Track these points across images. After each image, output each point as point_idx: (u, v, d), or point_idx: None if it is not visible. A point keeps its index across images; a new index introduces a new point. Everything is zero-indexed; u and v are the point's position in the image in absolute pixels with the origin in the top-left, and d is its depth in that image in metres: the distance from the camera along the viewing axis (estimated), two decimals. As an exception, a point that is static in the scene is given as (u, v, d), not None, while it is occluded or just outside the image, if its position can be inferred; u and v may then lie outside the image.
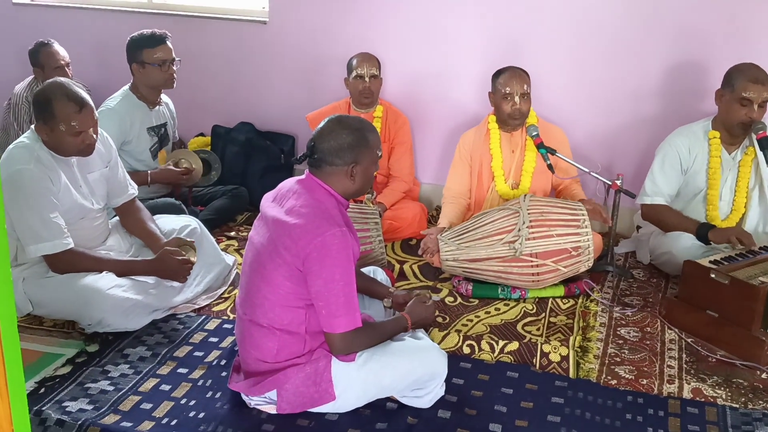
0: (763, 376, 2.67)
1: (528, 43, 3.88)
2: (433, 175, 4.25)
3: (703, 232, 3.22)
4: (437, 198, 4.16)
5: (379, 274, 2.77)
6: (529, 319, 3.04)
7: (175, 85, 3.66)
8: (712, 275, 2.83)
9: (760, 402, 2.52)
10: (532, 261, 3.07)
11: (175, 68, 3.61)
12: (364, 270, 2.76)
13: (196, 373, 2.57)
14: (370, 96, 3.81)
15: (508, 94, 3.35)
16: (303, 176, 2.30)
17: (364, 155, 2.25)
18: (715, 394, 2.55)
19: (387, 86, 4.04)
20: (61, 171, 2.75)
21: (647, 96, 3.83)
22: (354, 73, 3.77)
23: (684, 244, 3.24)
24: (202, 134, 4.48)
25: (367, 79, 3.76)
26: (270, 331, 2.22)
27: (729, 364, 2.74)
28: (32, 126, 2.77)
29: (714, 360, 2.77)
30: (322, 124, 2.28)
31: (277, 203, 2.28)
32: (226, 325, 2.88)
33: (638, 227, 3.71)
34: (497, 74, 3.43)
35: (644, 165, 3.79)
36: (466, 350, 2.76)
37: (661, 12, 3.68)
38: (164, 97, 3.78)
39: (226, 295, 3.12)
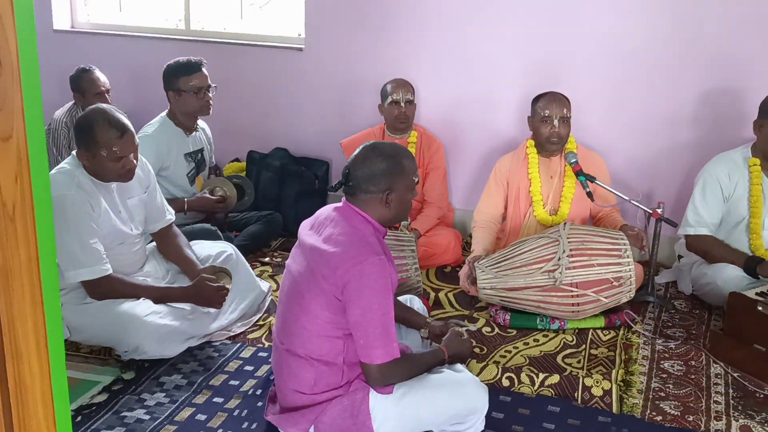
0: (815, 413, 2.57)
1: (566, 69, 3.85)
2: (467, 201, 4.21)
3: (752, 265, 3.13)
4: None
5: (415, 303, 2.73)
6: (569, 350, 2.97)
7: (211, 112, 3.68)
8: (760, 308, 2.75)
9: (813, 442, 2.42)
10: (572, 291, 3.01)
11: (211, 95, 3.63)
12: (401, 298, 2.73)
13: (232, 403, 2.55)
14: (405, 121, 3.79)
15: (547, 117, 3.32)
16: (340, 204, 2.28)
17: (399, 182, 2.22)
18: (765, 431, 2.47)
19: (421, 111, 4.02)
20: (101, 196, 2.77)
21: (685, 122, 3.77)
22: (389, 99, 3.77)
23: (729, 275, 3.15)
24: (237, 159, 4.50)
25: (402, 104, 3.76)
26: (307, 361, 2.19)
27: (778, 400, 2.65)
28: (73, 152, 2.79)
29: (762, 396, 2.67)
30: (357, 151, 2.26)
31: (315, 231, 2.26)
32: (261, 353, 2.86)
33: (680, 257, 3.62)
34: (537, 99, 3.40)
35: (683, 192, 3.74)
36: (506, 383, 2.70)
37: (701, 38, 3.64)
38: (201, 123, 3.81)
39: (261, 323, 3.10)
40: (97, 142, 2.66)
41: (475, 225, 3.52)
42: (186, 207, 3.56)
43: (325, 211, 2.31)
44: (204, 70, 3.61)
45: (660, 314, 3.31)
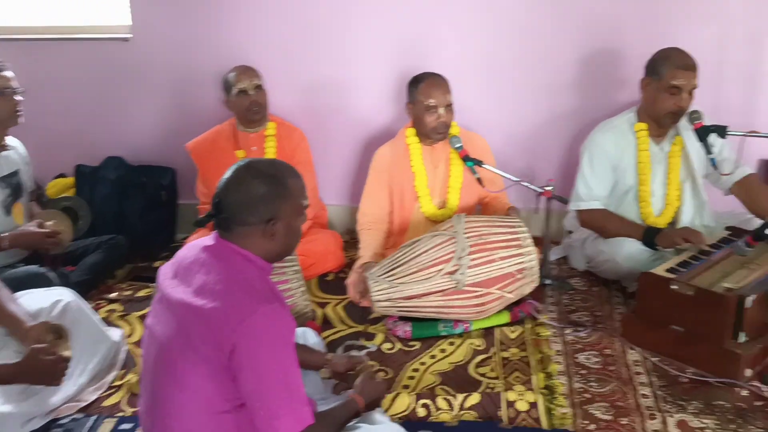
0: (744, 393, 2.43)
1: (433, 44, 3.52)
2: (339, 196, 3.82)
3: (650, 237, 2.97)
4: (348, 221, 3.73)
5: (310, 338, 2.30)
6: (479, 357, 2.67)
7: (21, 121, 2.98)
8: (674, 287, 2.57)
9: (751, 427, 2.27)
10: (476, 291, 2.71)
11: (18, 99, 2.94)
12: (290, 332, 2.28)
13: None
14: (259, 110, 3.32)
15: (432, 107, 2.97)
16: (210, 240, 1.80)
17: (284, 207, 1.77)
18: (702, 425, 2.28)
19: (273, 101, 3.52)
20: None
21: (564, 89, 3.56)
22: (235, 90, 3.28)
23: (629, 251, 2.99)
24: (62, 175, 3.80)
25: (251, 92, 3.28)
26: (190, 446, 1.71)
27: (703, 383, 2.49)
28: None
29: (687, 381, 2.51)
30: (227, 173, 1.79)
31: (181, 280, 1.76)
32: (124, 425, 2.31)
33: (569, 231, 3.44)
34: (415, 83, 3.04)
35: (568, 164, 3.56)
36: (422, 412, 2.35)
37: (569, 2, 3.41)
38: (11, 140, 3.10)
39: (117, 383, 2.55)
40: None
41: (361, 228, 3.13)
42: (8, 244, 2.88)
43: (190, 251, 1.81)
44: (6, 72, 2.91)
45: (560, 297, 3.11)
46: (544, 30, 3.46)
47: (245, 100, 3.29)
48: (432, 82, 3.00)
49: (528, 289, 2.83)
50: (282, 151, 3.42)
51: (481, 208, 3.26)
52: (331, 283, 3.25)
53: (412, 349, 2.74)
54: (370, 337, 2.82)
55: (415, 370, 2.61)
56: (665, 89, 2.98)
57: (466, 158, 3.01)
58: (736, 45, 3.39)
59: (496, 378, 2.54)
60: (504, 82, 3.56)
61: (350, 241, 3.56)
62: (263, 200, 1.73)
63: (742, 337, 2.48)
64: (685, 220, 3.17)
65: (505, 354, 2.69)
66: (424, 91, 3.00)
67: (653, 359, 2.63)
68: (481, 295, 2.71)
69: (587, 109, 3.53)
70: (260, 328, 1.63)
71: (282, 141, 3.44)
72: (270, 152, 3.39)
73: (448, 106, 3.00)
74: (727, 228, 3.10)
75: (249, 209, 1.73)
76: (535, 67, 3.52)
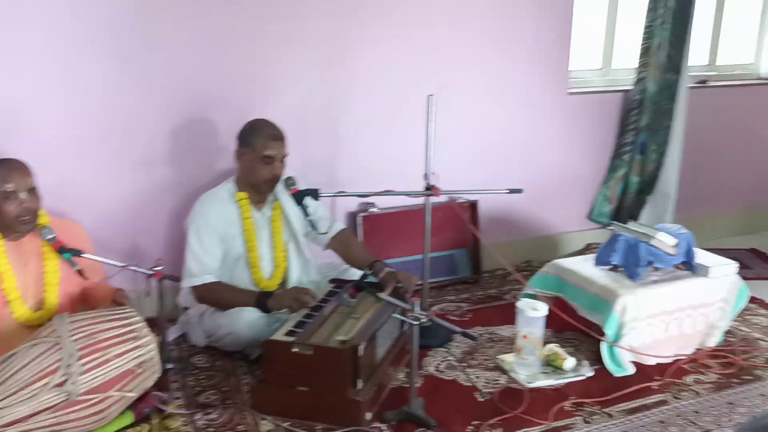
0: (369, 438, 2.61)
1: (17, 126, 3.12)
2: None
3: (263, 301, 3.04)
4: None
5: None
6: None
7: None
8: (295, 349, 2.65)
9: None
10: (92, 398, 2.43)
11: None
12: None
13: None
14: None
15: (12, 193, 2.62)
16: None
17: None
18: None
19: None
20: None
21: (159, 162, 3.45)
22: None
23: (247, 320, 3.01)
24: None
25: None
26: None
27: (332, 435, 2.61)
28: None
29: (320, 439, 2.60)
30: None
31: None
32: None
33: (185, 308, 3.34)
34: None
35: (174, 239, 3.46)
36: None
37: (160, 65, 3.33)
38: None
39: None
40: None
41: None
42: None
43: None
44: None
45: (185, 380, 2.99)
46: (132, 103, 3.32)
47: None
48: (8, 168, 2.65)
49: (151, 382, 2.65)
50: None
51: (86, 303, 2.97)
52: None
53: (23, 481, 2.36)
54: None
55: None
56: (259, 159, 3.10)
57: (61, 249, 2.72)
58: (315, 110, 3.68)
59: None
60: (96, 159, 3.32)
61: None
62: None
63: (360, 384, 2.66)
64: (294, 279, 3.32)
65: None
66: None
67: (284, 424, 2.66)
68: (98, 402, 2.45)
69: (187, 180, 3.49)
70: None
71: None
72: None
73: (31, 191, 2.69)
74: (331, 281, 3.33)
75: None
76: (128, 142, 3.36)
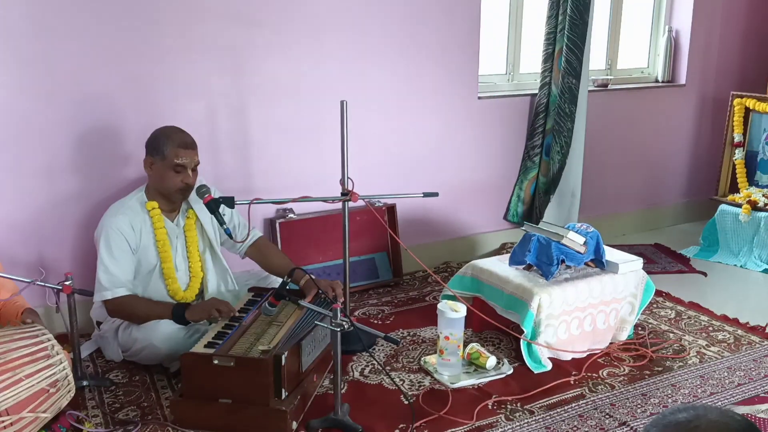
0: (296, 446, 2.59)
1: None
2: None
3: (180, 313, 2.96)
4: None
5: None
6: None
7: None
8: (216, 361, 2.60)
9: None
10: (3, 421, 2.32)
11: None
12: None
13: None
14: None
15: None
16: None
17: None
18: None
19: None
20: None
21: (63, 171, 3.32)
22: None
23: (164, 333, 2.93)
24: None
25: None
26: None
27: (259, 448, 2.57)
28: None
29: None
30: None
31: None
32: None
33: (98, 323, 3.22)
34: None
35: (84, 250, 3.33)
36: None
37: (55, 77, 3.21)
38: None
39: None
40: None
41: None
42: None
43: None
44: None
45: (102, 397, 2.88)
46: (31, 108, 3.18)
47: None
48: None
49: (66, 401, 2.56)
50: None
51: (-6, 321, 2.83)
52: None
53: None
54: None
55: None
56: (170, 168, 3.02)
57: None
58: (223, 117, 3.62)
59: None
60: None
61: None
62: None
63: (284, 394, 2.63)
64: (212, 289, 3.25)
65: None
66: None
67: (206, 438, 2.61)
68: (11, 425, 2.33)
69: (93, 189, 3.37)
70: None
71: None
72: None
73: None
74: (250, 289, 3.28)
75: None
76: (26, 148, 3.21)
